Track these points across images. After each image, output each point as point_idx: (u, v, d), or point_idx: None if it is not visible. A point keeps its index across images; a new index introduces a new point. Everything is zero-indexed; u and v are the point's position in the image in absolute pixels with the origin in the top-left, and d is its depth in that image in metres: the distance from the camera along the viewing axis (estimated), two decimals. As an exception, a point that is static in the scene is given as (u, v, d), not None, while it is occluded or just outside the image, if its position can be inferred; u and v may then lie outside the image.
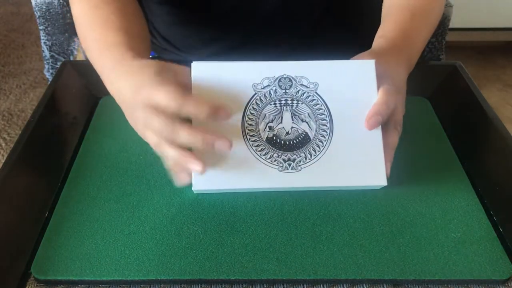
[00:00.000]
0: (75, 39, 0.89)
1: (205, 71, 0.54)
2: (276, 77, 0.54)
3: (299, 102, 0.54)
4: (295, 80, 0.54)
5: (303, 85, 0.54)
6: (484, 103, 0.67)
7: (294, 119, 0.54)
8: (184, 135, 0.48)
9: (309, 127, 0.54)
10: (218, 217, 0.53)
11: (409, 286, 0.48)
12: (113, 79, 0.55)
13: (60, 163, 0.60)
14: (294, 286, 0.48)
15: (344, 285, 0.48)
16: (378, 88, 0.54)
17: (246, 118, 0.54)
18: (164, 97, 0.48)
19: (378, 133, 0.54)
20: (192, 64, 0.54)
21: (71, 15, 0.86)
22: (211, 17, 0.80)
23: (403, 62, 0.60)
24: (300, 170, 0.53)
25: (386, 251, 0.50)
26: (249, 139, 0.53)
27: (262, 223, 0.52)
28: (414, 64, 0.64)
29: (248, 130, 0.53)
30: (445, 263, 0.49)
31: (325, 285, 0.48)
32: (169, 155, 0.50)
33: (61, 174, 0.58)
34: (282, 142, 0.54)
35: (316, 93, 0.54)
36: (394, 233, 0.52)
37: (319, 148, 0.54)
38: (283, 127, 0.54)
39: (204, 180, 0.53)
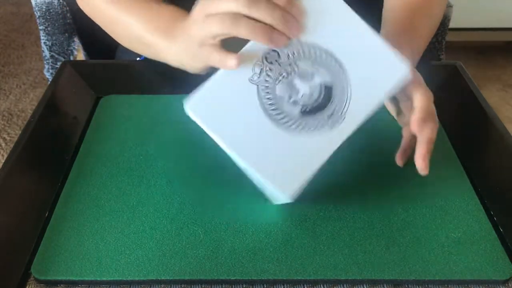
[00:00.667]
0: (75, 39, 0.89)
1: (201, 103, 0.51)
2: (260, 56, 0.52)
3: (297, 61, 0.52)
4: (278, 49, 0.52)
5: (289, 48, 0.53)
6: (484, 103, 0.67)
7: (305, 79, 0.52)
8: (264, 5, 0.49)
9: (321, 74, 0.52)
10: (218, 217, 0.53)
11: (409, 286, 0.48)
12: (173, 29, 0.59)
13: (60, 163, 0.60)
14: (294, 286, 0.48)
15: (344, 285, 0.48)
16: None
17: (269, 112, 0.52)
18: None
19: (375, 38, 0.53)
20: (185, 106, 0.51)
21: (71, 15, 0.87)
22: None
23: (407, 57, 0.60)
24: (344, 117, 0.52)
25: (386, 251, 0.50)
26: (286, 128, 0.51)
27: (262, 223, 0.52)
28: (417, 61, 0.64)
29: (280, 119, 0.52)
30: (445, 263, 0.49)
31: (325, 285, 0.48)
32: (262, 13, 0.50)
33: (61, 174, 0.58)
34: (313, 105, 0.52)
35: (300, 43, 0.53)
36: (394, 233, 0.52)
37: (342, 87, 0.52)
38: (304, 93, 0.52)
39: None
